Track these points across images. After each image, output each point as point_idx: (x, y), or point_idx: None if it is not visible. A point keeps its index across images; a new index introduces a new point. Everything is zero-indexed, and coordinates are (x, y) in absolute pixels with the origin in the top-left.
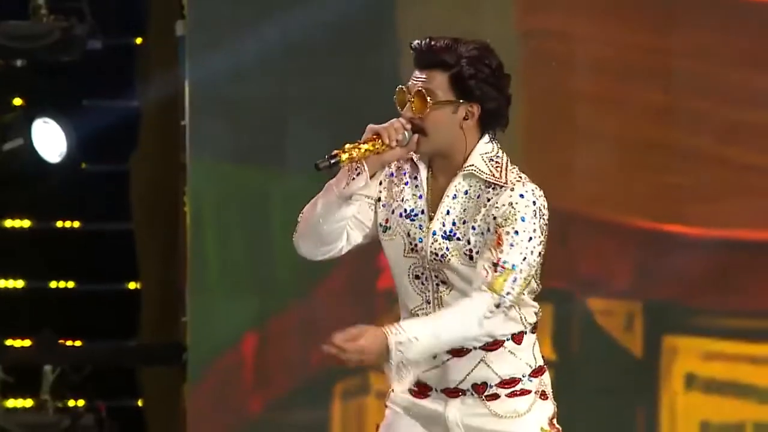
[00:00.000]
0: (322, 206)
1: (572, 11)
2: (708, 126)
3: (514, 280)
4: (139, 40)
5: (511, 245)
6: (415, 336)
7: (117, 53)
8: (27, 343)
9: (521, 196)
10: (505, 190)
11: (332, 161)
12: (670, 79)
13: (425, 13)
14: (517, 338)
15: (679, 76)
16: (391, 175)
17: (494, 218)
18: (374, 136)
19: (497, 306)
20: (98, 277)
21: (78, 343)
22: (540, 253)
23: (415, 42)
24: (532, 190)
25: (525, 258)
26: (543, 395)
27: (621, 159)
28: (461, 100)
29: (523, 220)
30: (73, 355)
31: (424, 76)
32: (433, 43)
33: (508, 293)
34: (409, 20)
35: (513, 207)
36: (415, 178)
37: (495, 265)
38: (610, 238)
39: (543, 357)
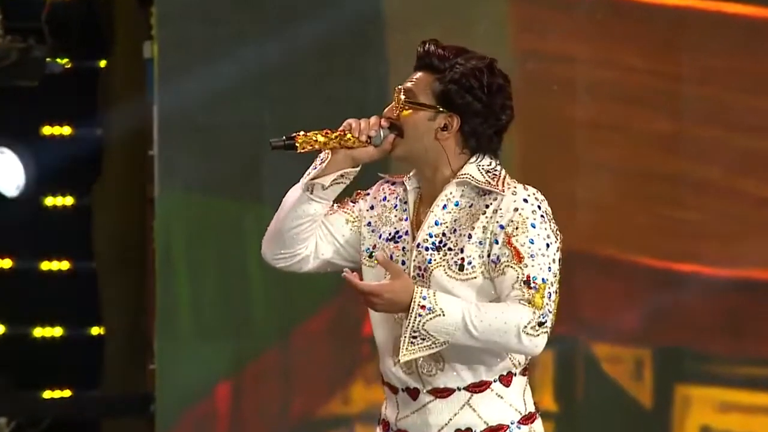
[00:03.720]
0: (286, 200)
1: (572, 32)
2: (719, 156)
3: (549, 296)
4: (103, 63)
5: (532, 256)
6: (442, 309)
7: (79, 77)
8: None
9: (525, 200)
10: (505, 196)
11: (287, 141)
12: (678, 106)
13: (416, 34)
14: (506, 380)
15: (688, 102)
16: (384, 199)
17: (501, 227)
18: (345, 128)
19: (540, 325)
20: (58, 321)
21: (36, 393)
22: (560, 260)
23: (421, 43)
24: (534, 194)
25: (550, 268)
26: None
27: (625, 191)
28: (441, 108)
29: (533, 227)
30: (30, 405)
31: (415, 77)
32: (432, 47)
33: (549, 311)
34: (399, 42)
35: (519, 213)
36: (405, 202)
37: (526, 282)
38: (615, 277)
39: (535, 404)
